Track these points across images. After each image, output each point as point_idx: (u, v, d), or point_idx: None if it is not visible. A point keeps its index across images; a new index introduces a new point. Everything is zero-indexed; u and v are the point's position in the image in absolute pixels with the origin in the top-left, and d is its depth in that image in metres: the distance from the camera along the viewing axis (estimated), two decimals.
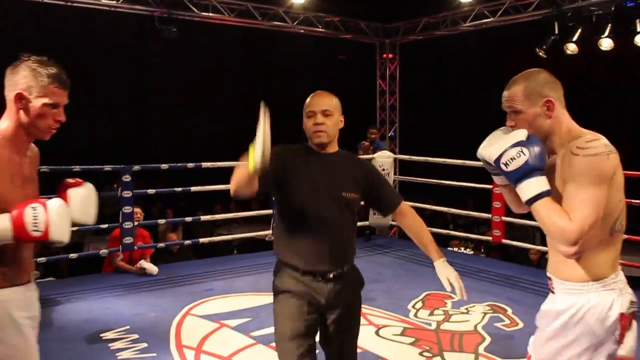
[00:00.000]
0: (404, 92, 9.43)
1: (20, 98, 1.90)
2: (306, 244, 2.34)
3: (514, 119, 1.93)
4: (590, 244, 1.79)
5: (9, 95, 1.93)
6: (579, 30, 6.66)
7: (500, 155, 1.83)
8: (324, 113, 2.35)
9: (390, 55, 9.27)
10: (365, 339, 4.12)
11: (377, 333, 4.26)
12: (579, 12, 6.59)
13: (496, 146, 1.85)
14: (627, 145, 14.15)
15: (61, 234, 1.90)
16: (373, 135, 8.36)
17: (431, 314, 4.67)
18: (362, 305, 2.65)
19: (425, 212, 7.68)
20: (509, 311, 4.76)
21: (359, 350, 3.82)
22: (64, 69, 1.95)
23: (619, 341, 1.82)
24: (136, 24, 13.52)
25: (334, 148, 2.45)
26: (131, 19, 10.51)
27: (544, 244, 7.40)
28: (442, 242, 7.67)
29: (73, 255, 5.95)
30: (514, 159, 1.80)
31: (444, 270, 2.35)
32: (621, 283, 1.86)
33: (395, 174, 7.75)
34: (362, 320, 4.43)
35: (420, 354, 3.85)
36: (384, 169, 7.54)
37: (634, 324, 1.87)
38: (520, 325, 4.43)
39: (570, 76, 13.36)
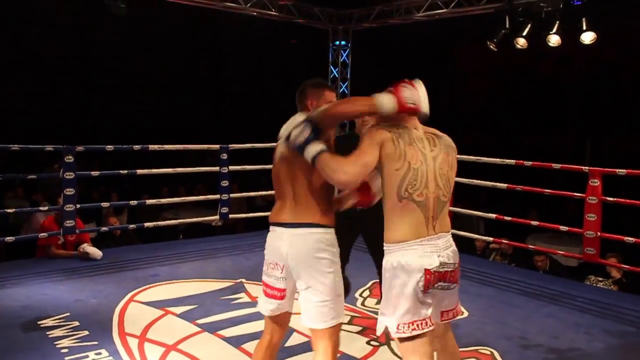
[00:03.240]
0: (355, 80, 9.41)
1: None
2: None
3: None
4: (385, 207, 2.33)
5: None
6: (529, 26, 6.78)
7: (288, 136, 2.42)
8: None
9: (343, 42, 9.24)
10: None
11: None
12: (529, 7, 6.71)
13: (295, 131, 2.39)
14: (571, 139, 14.64)
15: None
16: None
17: (378, 302, 4.66)
18: None
19: None
20: None
21: (305, 340, 3.83)
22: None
23: (424, 290, 2.24)
24: None
25: None
26: None
27: (489, 233, 7.57)
28: None
29: (10, 239, 5.68)
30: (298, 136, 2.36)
31: None
32: (428, 247, 2.27)
33: None
34: None
35: (368, 342, 3.86)
36: None
37: (443, 282, 2.31)
38: (466, 314, 4.47)
39: (519, 70, 13.78)
